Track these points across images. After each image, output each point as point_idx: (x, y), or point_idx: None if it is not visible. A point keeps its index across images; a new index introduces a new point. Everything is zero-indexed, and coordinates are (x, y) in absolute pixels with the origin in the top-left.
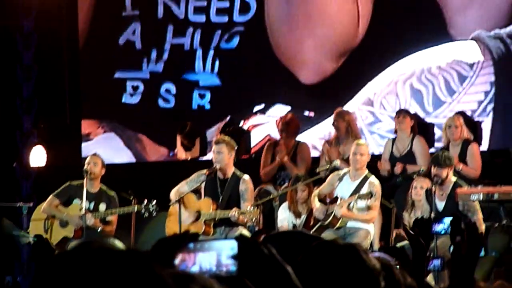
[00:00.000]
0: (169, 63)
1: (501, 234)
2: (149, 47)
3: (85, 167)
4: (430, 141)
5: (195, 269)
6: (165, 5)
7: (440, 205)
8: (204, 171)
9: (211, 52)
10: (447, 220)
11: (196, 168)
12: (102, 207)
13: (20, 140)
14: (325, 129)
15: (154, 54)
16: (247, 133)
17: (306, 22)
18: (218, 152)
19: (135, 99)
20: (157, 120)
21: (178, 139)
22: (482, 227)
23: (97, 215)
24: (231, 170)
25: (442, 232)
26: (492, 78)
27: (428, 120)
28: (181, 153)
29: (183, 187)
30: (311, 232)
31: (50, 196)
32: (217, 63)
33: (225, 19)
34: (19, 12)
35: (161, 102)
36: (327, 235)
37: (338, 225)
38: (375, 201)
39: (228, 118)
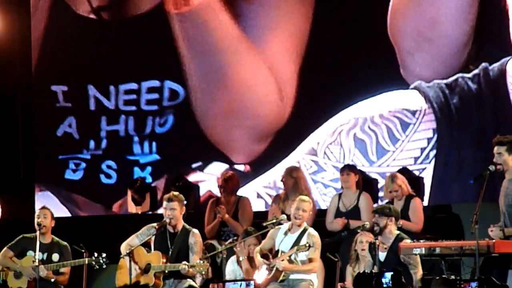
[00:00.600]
0: (108, 147)
1: (441, 286)
2: (87, 137)
3: (36, 220)
4: (374, 198)
5: None
6: (96, 99)
7: (382, 256)
8: (154, 224)
9: (147, 138)
10: (388, 274)
11: (145, 222)
12: (55, 257)
13: None
14: (266, 179)
15: (92, 144)
16: (195, 187)
17: (231, 111)
18: (171, 209)
19: (78, 175)
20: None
21: (129, 194)
22: (420, 277)
23: (50, 266)
24: (180, 224)
25: (384, 286)
26: (434, 125)
27: (372, 169)
28: (131, 207)
29: (133, 240)
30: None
31: (4, 249)
32: (154, 144)
33: (155, 107)
34: None
35: (103, 178)
36: (272, 287)
37: (281, 277)
38: (314, 252)
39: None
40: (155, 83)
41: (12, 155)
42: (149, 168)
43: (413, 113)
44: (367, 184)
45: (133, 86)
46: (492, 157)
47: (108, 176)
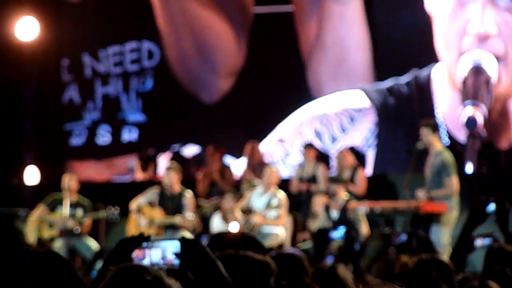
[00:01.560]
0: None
1: (378, 239)
2: (85, 100)
3: (64, 183)
4: (328, 168)
5: (146, 262)
6: (90, 66)
7: (335, 214)
8: (157, 187)
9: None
10: (342, 229)
11: (150, 185)
12: (79, 212)
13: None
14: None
15: (90, 105)
16: (188, 161)
17: (197, 50)
18: (170, 175)
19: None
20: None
21: (138, 163)
22: (366, 231)
23: (76, 219)
24: (178, 187)
25: (338, 237)
26: (375, 119)
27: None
28: (139, 174)
29: (140, 200)
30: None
31: (40, 205)
32: (140, 103)
33: (137, 67)
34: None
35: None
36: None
37: (256, 230)
38: (282, 210)
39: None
40: (135, 44)
41: (45, 132)
42: (135, 130)
43: (359, 110)
44: (323, 158)
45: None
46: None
47: (103, 136)
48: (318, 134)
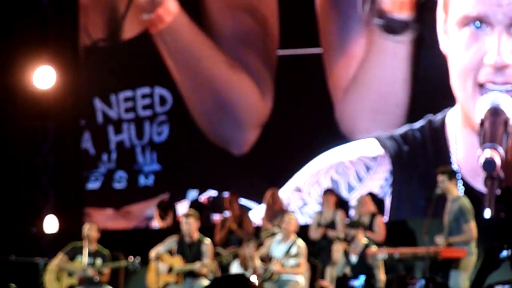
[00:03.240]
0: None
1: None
2: (100, 150)
3: (84, 232)
4: (347, 215)
5: None
6: (102, 111)
7: (354, 259)
8: (175, 236)
9: (148, 148)
10: (362, 277)
11: (169, 233)
12: (99, 261)
13: (38, 210)
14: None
15: (105, 157)
16: (207, 207)
17: (218, 106)
18: (188, 223)
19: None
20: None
21: (156, 212)
22: (384, 277)
23: (95, 268)
24: (196, 235)
25: (358, 286)
26: (390, 168)
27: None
28: (158, 222)
29: (160, 248)
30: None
31: (60, 254)
32: (154, 155)
33: (150, 112)
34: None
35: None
36: (267, 286)
37: (274, 279)
38: (301, 258)
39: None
40: (147, 89)
41: (64, 181)
42: (152, 177)
43: (374, 158)
44: (342, 204)
45: (129, 93)
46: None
47: (119, 182)
48: (335, 183)
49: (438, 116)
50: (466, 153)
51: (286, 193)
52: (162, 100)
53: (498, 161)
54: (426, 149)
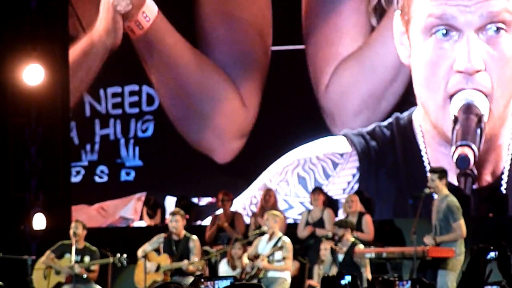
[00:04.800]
0: (101, 152)
1: (381, 285)
2: (84, 141)
3: (71, 230)
4: (335, 213)
5: None
6: (90, 105)
7: (340, 257)
8: (163, 234)
9: (131, 141)
10: (348, 277)
11: (156, 231)
12: (87, 259)
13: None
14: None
15: (88, 147)
16: (196, 206)
17: (200, 114)
18: (175, 221)
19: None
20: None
21: (144, 210)
22: (369, 276)
23: (83, 265)
24: (182, 233)
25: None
26: (357, 164)
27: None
28: (146, 220)
29: (147, 246)
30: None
31: (47, 252)
32: (137, 149)
33: (136, 110)
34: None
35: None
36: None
37: (261, 275)
38: (287, 254)
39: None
40: (135, 87)
41: (53, 180)
42: (132, 173)
43: (341, 155)
44: (330, 201)
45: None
46: (409, 185)
47: (101, 177)
48: (302, 180)
49: (405, 114)
50: (434, 150)
51: (252, 191)
52: (149, 99)
53: (471, 158)
54: (395, 145)
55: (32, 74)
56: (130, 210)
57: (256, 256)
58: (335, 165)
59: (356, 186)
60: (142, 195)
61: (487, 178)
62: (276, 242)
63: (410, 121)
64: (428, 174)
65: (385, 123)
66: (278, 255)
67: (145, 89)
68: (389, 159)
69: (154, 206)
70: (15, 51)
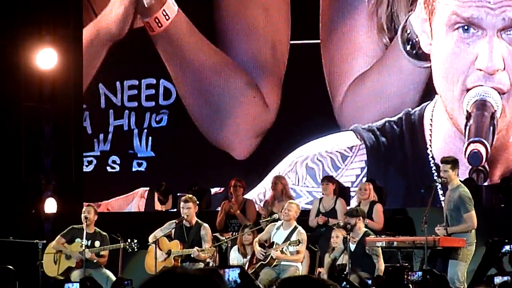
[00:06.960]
0: (114, 142)
1: (394, 275)
2: (97, 131)
3: (82, 214)
4: (347, 202)
5: None
6: (105, 96)
7: (352, 247)
8: (174, 220)
9: (145, 132)
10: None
11: (168, 218)
12: (97, 244)
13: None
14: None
15: (101, 136)
16: (208, 192)
17: (220, 112)
18: (187, 208)
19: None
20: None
21: (156, 195)
22: (382, 266)
23: (93, 250)
24: (194, 219)
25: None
26: (365, 158)
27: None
28: (157, 206)
29: (158, 232)
30: (253, 269)
31: (58, 236)
32: (150, 140)
33: (152, 103)
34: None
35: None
36: (265, 271)
37: (274, 264)
38: (302, 247)
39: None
40: (152, 80)
41: (66, 164)
42: (144, 164)
43: (350, 148)
44: (341, 190)
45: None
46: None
47: (113, 168)
48: (310, 170)
49: (416, 109)
50: (446, 145)
51: (263, 185)
52: (166, 93)
53: (484, 154)
54: (403, 141)
55: (45, 58)
56: (134, 207)
57: (269, 244)
58: (344, 157)
59: (364, 180)
60: (145, 192)
61: (499, 174)
62: (292, 231)
63: (421, 116)
64: (440, 165)
65: (395, 118)
66: (292, 246)
67: (163, 82)
68: (398, 153)
69: (165, 192)
70: (28, 35)
